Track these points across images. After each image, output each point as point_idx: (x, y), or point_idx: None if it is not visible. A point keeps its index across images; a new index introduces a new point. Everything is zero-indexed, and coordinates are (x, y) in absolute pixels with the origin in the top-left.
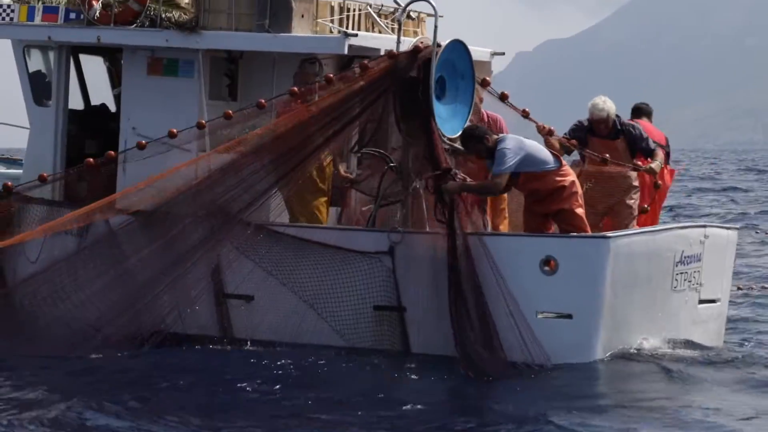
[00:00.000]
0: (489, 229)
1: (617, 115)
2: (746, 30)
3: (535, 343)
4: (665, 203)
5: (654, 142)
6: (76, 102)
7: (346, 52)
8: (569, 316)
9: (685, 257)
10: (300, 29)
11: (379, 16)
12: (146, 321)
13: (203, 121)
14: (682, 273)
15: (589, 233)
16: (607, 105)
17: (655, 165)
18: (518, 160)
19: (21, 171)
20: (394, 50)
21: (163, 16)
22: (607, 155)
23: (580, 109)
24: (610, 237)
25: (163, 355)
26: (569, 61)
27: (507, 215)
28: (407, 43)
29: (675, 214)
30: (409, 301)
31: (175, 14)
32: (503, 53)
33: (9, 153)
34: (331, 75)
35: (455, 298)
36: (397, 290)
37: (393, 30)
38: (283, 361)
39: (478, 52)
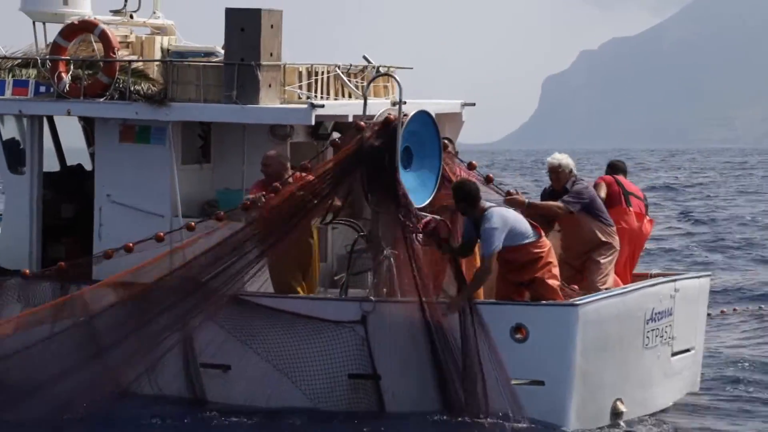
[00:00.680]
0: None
1: (575, 177)
2: None
3: (514, 405)
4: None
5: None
6: (52, 164)
7: (313, 123)
8: (541, 383)
9: (655, 314)
10: (267, 99)
11: (348, 75)
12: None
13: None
14: (653, 330)
15: (559, 301)
16: (563, 158)
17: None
18: (503, 237)
19: None
20: (362, 121)
21: (132, 88)
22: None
23: (645, 109)
24: (578, 305)
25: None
26: (634, 59)
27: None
28: (377, 105)
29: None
30: (383, 368)
31: (144, 86)
32: (474, 104)
33: None
34: (307, 163)
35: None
36: (371, 358)
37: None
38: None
39: (449, 104)
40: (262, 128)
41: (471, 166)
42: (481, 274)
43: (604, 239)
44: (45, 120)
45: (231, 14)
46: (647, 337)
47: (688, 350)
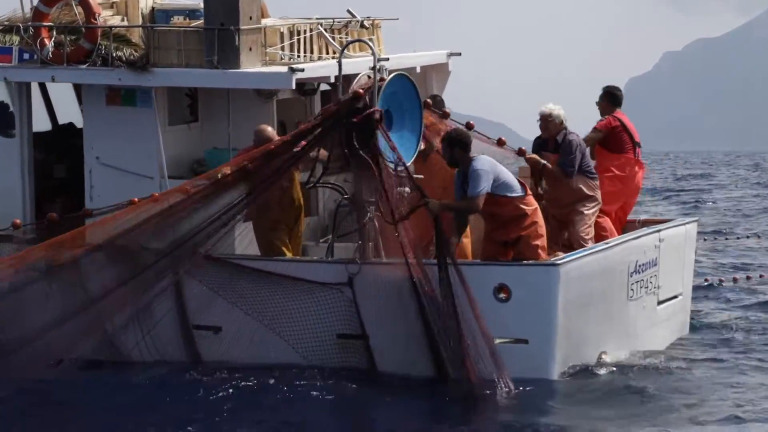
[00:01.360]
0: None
1: (566, 129)
2: None
3: (496, 364)
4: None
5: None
6: (43, 123)
7: (293, 86)
8: (525, 341)
9: (639, 266)
10: (248, 62)
11: (332, 32)
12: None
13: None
14: (638, 282)
15: (541, 261)
16: (554, 108)
17: (547, 168)
18: (491, 181)
19: None
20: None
21: (114, 54)
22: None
23: (731, 110)
24: (559, 264)
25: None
26: (720, 59)
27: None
28: (361, 62)
29: None
30: (372, 328)
31: (126, 51)
32: (459, 53)
33: None
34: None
35: (424, 323)
36: (360, 319)
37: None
38: (250, 381)
39: (435, 55)
40: (245, 90)
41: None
42: (468, 206)
43: (589, 193)
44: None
45: None
46: (631, 290)
47: (675, 297)
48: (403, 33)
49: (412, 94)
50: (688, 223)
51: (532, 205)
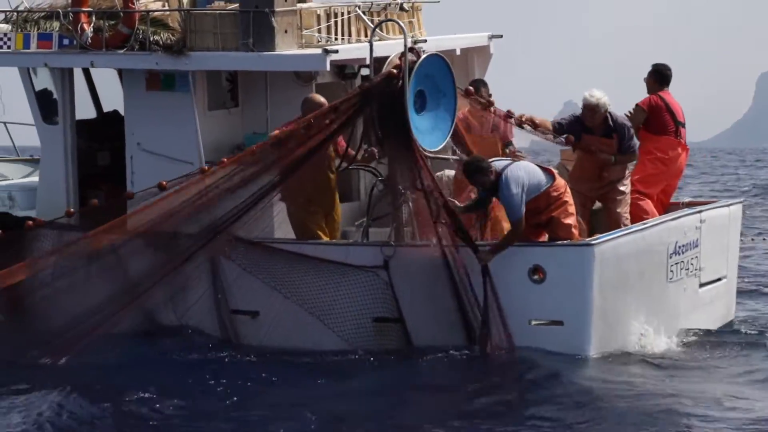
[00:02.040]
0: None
1: (610, 113)
2: None
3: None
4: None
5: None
6: (89, 112)
7: (327, 68)
8: (560, 323)
9: (679, 247)
10: (284, 45)
11: (371, 14)
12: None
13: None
14: (677, 263)
15: (575, 240)
16: (601, 97)
17: (616, 159)
18: (524, 198)
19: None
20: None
21: (152, 38)
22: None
23: None
24: (594, 244)
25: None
26: None
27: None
28: (396, 45)
29: None
30: (407, 311)
31: (164, 36)
32: (501, 36)
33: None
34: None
35: (459, 304)
36: (396, 302)
37: (388, 29)
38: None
39: (476, 38)
40: (285, 71)
41: (468, 92)
42: (512, 236)
43: (627, 172)
44: (79, 69)
45: None
46: (671, 271)
47: (718, 279)
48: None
49: (447, 76)
50: (731, 204)
51: (560, 188)
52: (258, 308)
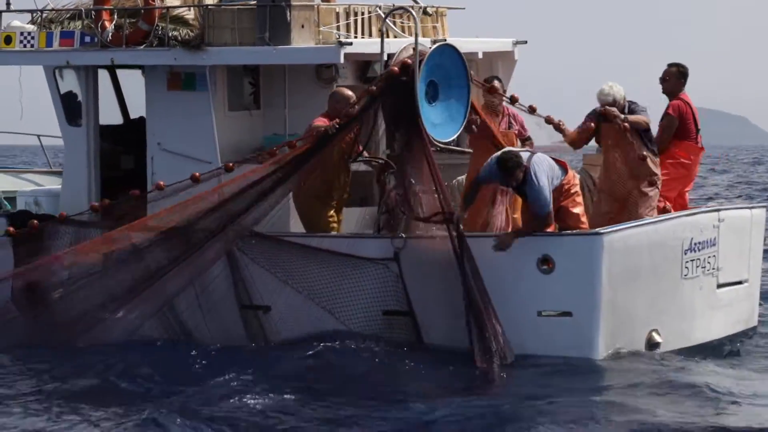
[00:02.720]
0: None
1: (629, 101)
2: None
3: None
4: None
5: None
6: (115, 117)
7: (342, 61)
8: (569, 314)
9: (695, 244)
10: (300, 40)
11: (393, 17)
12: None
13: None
14: (693, 260)
15: (584, 230)
16: (614, 90)
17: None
18: (550, 191)
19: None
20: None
21: (170, 34)
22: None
23: None
24: (602, 233)
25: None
26: None
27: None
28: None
29: None
30: (418, 304)
31: (182, 32)
32: (525, 41)
33: None
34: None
35: (467, 297)
36: (406, 294)
37: (408, 31)
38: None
39: (500, 43)
40: (306, 72)
41: (492, 89)
42: (539, 227)
43: (654, 170)
44: (106, 72)
45: None
46: (686, 267)
47: (739, 282)
48: (473, 24)
49: (460, 66)
50: (754, 207)
51: (571, 180)
52: (269, 303)
